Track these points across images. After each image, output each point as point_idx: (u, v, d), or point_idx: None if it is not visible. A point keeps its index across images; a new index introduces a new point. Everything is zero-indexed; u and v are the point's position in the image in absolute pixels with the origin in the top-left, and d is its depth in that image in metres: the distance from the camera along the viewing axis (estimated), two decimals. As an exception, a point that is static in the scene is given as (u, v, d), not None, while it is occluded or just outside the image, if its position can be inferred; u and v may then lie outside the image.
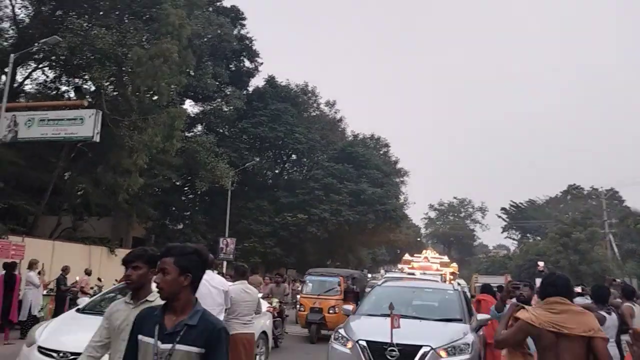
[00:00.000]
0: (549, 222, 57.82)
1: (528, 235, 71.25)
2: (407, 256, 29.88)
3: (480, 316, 7.91)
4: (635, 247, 46.60)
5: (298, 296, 16.28)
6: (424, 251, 33.06)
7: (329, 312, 13.97)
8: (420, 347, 6.34)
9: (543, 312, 3.43)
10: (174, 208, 33.53)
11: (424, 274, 21.90)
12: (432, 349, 6.33)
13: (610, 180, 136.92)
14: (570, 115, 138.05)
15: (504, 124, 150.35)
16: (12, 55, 15.98)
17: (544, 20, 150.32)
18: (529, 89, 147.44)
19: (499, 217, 76.10)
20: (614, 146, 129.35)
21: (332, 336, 7.25)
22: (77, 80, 22.29)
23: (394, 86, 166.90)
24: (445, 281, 21.38)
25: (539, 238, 61.81)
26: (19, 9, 21.45)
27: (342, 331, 7.05)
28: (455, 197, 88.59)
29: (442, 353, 6.36)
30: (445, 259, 30.97)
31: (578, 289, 17.30)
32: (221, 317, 5.89)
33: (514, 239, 76.62)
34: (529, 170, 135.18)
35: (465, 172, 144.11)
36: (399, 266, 29.51)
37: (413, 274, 22.66)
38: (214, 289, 5.81)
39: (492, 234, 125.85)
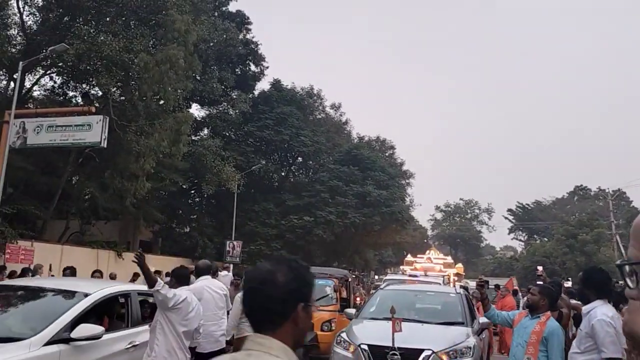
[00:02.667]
0: (555, 224, 57.68)
1: (535, 236, 71.07)
2: (409, 257, 29.28)
3: (483, 319, 8.00)
4: (643, 248, 46.30)
5: None
6: (427, 252, 32.66)
7: (322, 330, 9.88)
8: (422, 350, 6.44)
9: None
10: (180, 211, 33.74)
11: (426, 275, 21.70)
12: (433, 352, 6.42)
13: (617, 181, 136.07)
14: (577, 115, 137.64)
15: (511, 123, 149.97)
16: (20, 62, 16.20)
17: (548, 22, 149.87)
18: (535, 89, 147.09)
19: (506, 218, 75.93)
20: (621, 147, 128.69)
21: (335, 340, 7.36)
22: (84, 86, 22.56)
23: (399, 88, 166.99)
24: (448, 283, 21.26)
25: (545, 239, 61.66)
26: (27, 16, 21.74)
27: (344, 335, 7.17)
28: (461, 199, 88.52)
29: (444, 357, 6.45)
30: (449, 259, 30.52)
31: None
32: (224, 320, 6.09)
33: (520, 240, 76.46)
34: (536, 171, 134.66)
35: (472, 173, 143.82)
36: (402, 267, 29.06)
37: (415, 275, 22.04)
38: (215, 294, 6.06)
39: (499, 235, 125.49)
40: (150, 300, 6.16)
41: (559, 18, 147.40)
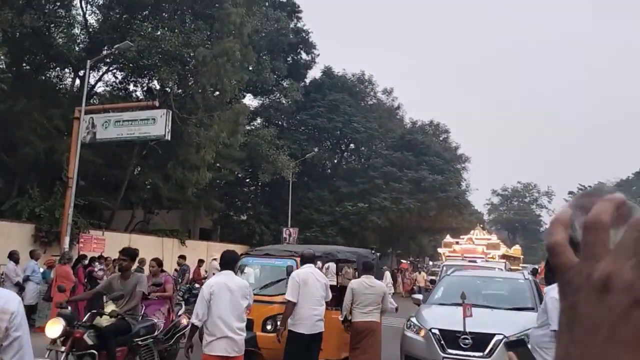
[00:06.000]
0: (620, 206, 55.18)
1: (598, 219, 68.28)
2: (448, 238, 26.67)
3: (553, 305, 7.87)
4: None
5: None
6: (471, 232, 30.39)
7: (264, 330, 7.00)
8: (494, 335, 6.45)
9: None
10: (237, 200, 34.54)
11: (487, 261, 20.96)
12: (505, 337, 6.42)
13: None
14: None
15: (568, 103, 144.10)
16: (88, 61, 16.95)
17: None
18: (596, 69, 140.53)
19: (567, 201, 73.11)
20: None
21: (405, 324, 7.46)
22: (145, 80, 23.36)
23: (451, 71, 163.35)
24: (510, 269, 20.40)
25: (610, 222, 59.15)
26: (89, 15, 22.68)
27: (414, 319, 7.25)
28: (519, 182, 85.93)
29: (516, 341, 6.43)
30: (494, 239, 27.37)
31: None
32: (323, 307, 6.41)
33: (583, 224, 73.62)
34: (598, 150, 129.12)
35: (530, 156, 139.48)
36: (439, 250, 26.87)
37: (474, 261, 20.90)
38: (317, 282, 6.38)
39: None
40: None
41: None
